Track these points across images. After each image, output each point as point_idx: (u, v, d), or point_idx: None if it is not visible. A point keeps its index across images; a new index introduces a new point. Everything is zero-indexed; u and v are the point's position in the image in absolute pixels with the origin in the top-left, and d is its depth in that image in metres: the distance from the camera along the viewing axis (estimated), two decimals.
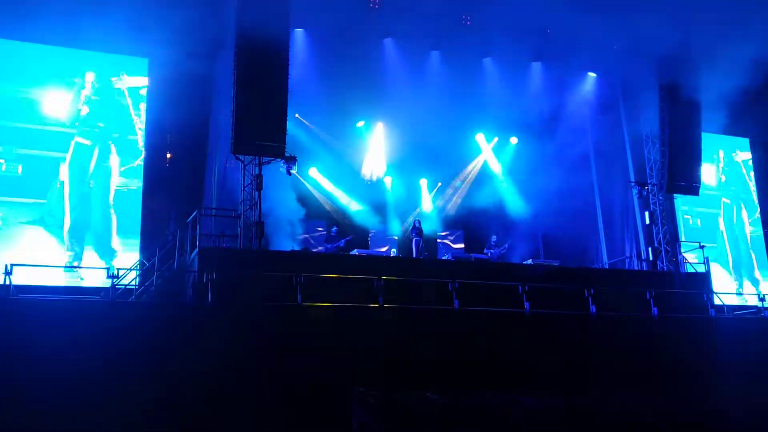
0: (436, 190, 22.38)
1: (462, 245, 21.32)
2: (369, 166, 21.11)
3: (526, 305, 14.43)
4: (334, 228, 18.93)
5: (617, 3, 17.53)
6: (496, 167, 22.60)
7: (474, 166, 22.69)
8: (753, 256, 22.98)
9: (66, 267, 15.64)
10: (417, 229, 19.17)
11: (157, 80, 17.15)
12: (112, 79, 17.14)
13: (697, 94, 19.15)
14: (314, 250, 18.38)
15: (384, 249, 20.35)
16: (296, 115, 18.68)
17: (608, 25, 17.84)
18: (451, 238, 21.27)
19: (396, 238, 20.71)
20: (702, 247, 18.66)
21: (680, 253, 18.98)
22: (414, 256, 18.44)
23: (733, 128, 22.39)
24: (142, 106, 17.15)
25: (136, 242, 16.39)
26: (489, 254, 19.21)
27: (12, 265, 12.46)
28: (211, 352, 11.93)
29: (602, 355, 14.30)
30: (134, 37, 16.41)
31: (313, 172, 20.69)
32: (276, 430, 11.67)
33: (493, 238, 19.80)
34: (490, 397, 11.53)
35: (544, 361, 13.70)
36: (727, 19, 17.52)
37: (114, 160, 16.79)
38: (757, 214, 23.61)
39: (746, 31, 17.55)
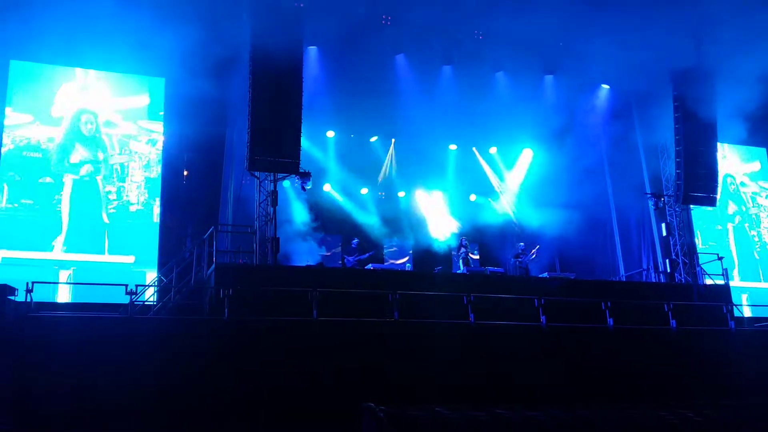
0: (450, 204, 22.40)
1: (477, 256, 21.36)
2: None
3: (543, 319, 14.35)
4: (355, 240, 19.02)
5: (630, 15, 17.52)
6: (510, 181, 22.62)
7: (488, 180, 22.72)
8: None
9: (84, 284, 15.80)
10: (463, 246, 19.19)
11: (174, 99, 17.40)
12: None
13: (713, 106, 19.05)
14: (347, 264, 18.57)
15: (403, 260, 20.45)
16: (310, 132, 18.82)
17: (621, 38, 17.82)
18: (474, 251, 21.25)
19: (406, 258, 20.81)
20: (720, 258, 18.50)
21: (698, 265, 18.80)
22: (461, 271, 18.46)
23: (750, 139, 22.25)
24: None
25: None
26: (518, 262, 19.20)
27: (33, 282, 12.60)
28: (227, 367, 12.02)
29: (620, 368, 14.18)
30: (150, 57, 16.70)
31: (328, 187, 20.83)
32: None
33: (521, 245, 19.74)
34: (502, 412, 11.42)
35: (561, 375, 13.62)
36: (742, 31, 17.47)
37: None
38: None
39: (761, 43, 17.49)
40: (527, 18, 17.16)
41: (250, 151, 15.14)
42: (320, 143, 20.31)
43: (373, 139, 21.33)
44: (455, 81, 19.90)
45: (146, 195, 17.17)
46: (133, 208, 17.05)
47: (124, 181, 17.12)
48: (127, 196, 17.05)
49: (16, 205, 16.19)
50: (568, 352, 14.10)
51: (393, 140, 21.39)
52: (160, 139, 17.50)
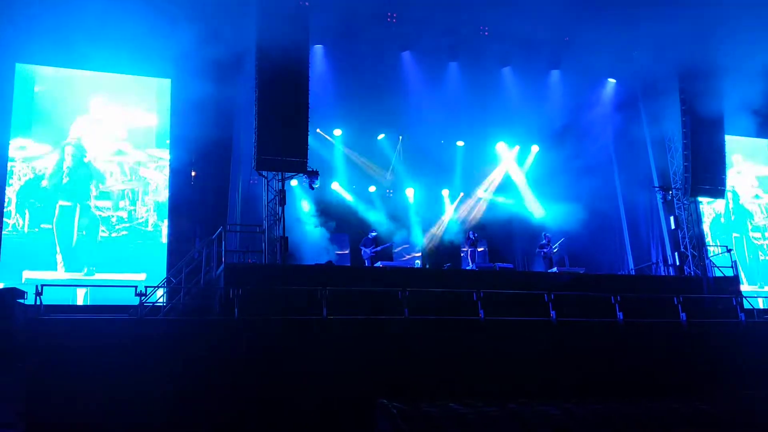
0: (458, 200, 22.41)
1: (485, 249, 21.36)
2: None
3: (552, 314, 14.33)
4: (373, 232, 19.02)
5: (636, 9, 17.48)
6: (518, 176, 22.59)
7: (496, 176, 22.70)
8: None
9: (94, 285, 15.87)
10: (471, 240, 19.23)
11: (180, 100, 17.42)
12: None
13: (720, 98, 18.97)
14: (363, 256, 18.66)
15: (415, 255, 20.47)
16: (317, 130, 18.86)
17: (627, 32, 17.78)
18: (483, 248, 21.21)
19: (419, 254, 20.81)
20: (729, 250, 18.43)
21: (707, 258, 18.75)
22: (469, 267, 18.42)
23: (758, 131, 22.17)
24: None
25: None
26: (542, 252, 19.24)
27: (42, 285, 12.64)
28: (237, 367, 12.03)
29: (631, 362, 14.13)
30: (156, 58, 16.72)
31: (336, 186, 20.85)
32: None
33: (548, 236, 19.71)
34: (515, 407, 11.43)
35: (571, 370, 13.59)
36: (749, 24, 17.40)
37: None
38: None
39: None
40: (533, 13, 17.13)
41: (257, 150, 15.13)
42: (328, 141, 20.33)
43: (381, 136, 21.33)
44: (462, 77, 19.88)
45: (155, 217, 17.26)
46: (143, 229, 17.19)
47: (135, 205, 17.23)
48: (138, 218, 17.18)
49: (36, 229, 16.54)
50: (579, 347, 14.05)
51: (400, 137, 21.38)
52: (167, 165, 17.60)
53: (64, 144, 17.08)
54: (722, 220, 22.71)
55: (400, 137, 21.41)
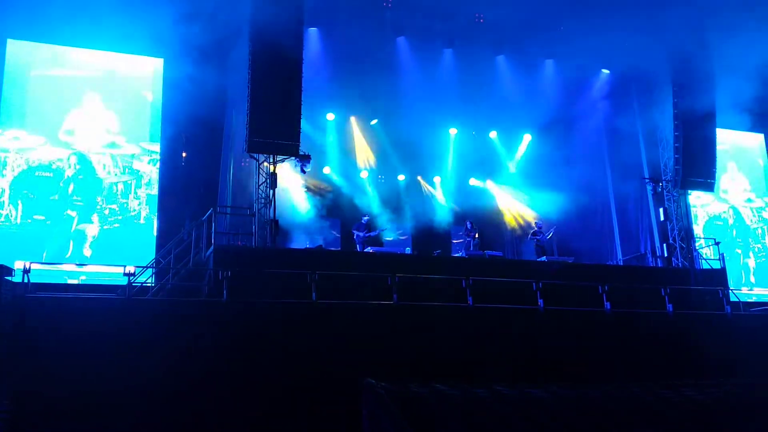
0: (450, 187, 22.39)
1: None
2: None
3: (540, 302, 14.40)
4: (366, 217, 19.02)
5: (631, 1, 17.48)
6: (509, 165, 22.60)
7: (487, 164, 22.67)
8: None
9: (83, 271, 15.77)
10: (468, 230, 19.26)
11: (173, 79, 17.27)
12: None
13: (712, 91, 19.06)
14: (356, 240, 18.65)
15: (404, 238, 20.49)
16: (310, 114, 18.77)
17: (622, 22, 17.77)
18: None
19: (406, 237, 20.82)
20: (717, 243, 18.55)
21: (695, 250, 18.88)
22: (464, 255, 18.49)
23: (749, 124, 22.26)
24: None
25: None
26: (535, 240, 19.29)
27: (30, 263, 12.58)
28: (226, 349, 12.04)
29: (616, 352, 14.23)
30: (149, 37, 16.57)
31: (327, 170, 20.79)
32: (288, 421, 11.79)
33: (538, 223, 19.77)
34: (502, 389, 11.48)
35: (558, 358, 13.67)
36: (743, 19, 17.44)
37: None
38: None
39: (760, 30, 17.47)
40: (528, 1, 17.10)
41: (249, 132, 15.06)
42: (320, 125, 20.25)
43: (374, 122, 21.26)
44: (456, 64, 19.84)
45: (147, 210, 17.02)
46: (135, 222, 16.97)
47: (127, 198, 17.01)
48: (130, 210, 16.97)
49: (29, 220, 16.33)
50: (566, 336, 14.13)
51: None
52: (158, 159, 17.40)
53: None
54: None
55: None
